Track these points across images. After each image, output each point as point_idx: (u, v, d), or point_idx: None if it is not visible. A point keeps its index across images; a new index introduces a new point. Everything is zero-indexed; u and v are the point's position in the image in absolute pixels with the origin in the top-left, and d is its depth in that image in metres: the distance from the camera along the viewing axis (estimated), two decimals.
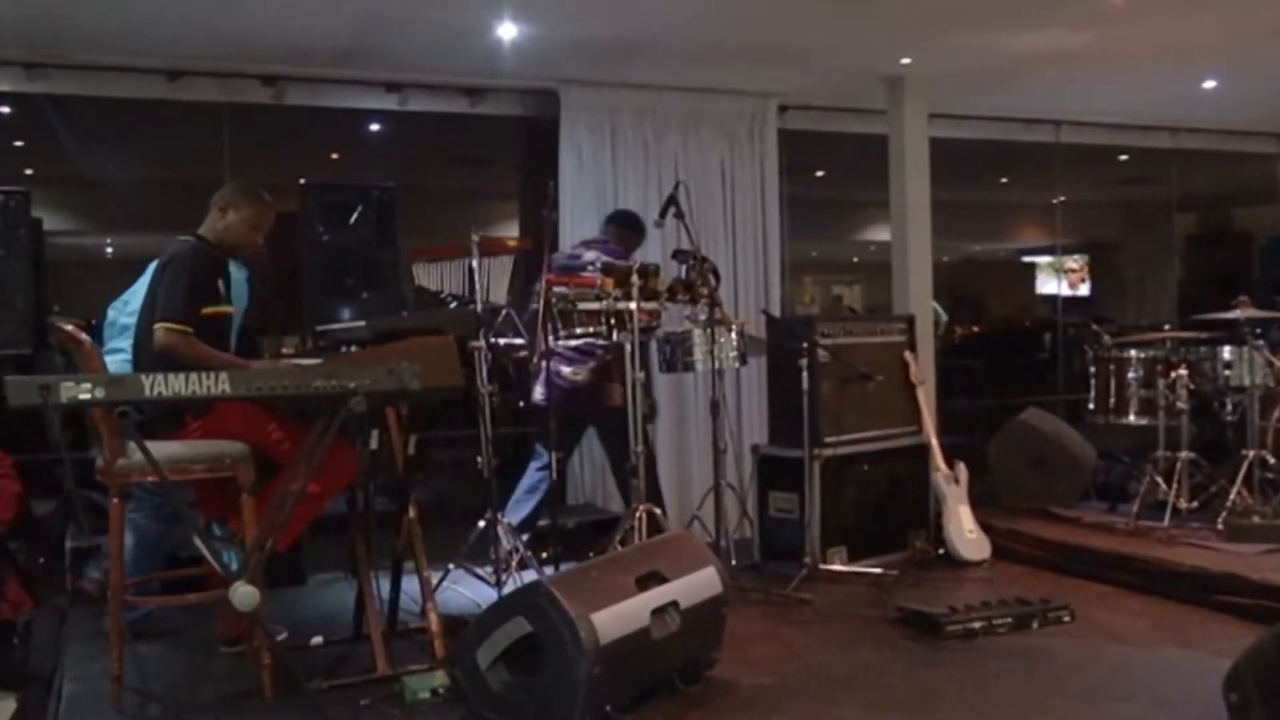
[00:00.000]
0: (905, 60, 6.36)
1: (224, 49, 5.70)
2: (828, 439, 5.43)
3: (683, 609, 3.54)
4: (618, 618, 3.31)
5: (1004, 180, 11.08)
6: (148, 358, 3.85)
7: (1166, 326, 6.66)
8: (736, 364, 5.32)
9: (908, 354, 5.91)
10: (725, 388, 5.38)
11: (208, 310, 3.91)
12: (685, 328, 5.24)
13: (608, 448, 5.86)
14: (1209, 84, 7.16)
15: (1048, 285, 11.66)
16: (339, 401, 3.01)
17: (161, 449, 3.38)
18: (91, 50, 5.63)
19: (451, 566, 5.05)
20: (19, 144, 6.90)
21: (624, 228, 5.82)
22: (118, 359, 4.39)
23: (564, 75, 6.41)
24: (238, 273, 4.88)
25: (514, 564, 4.92)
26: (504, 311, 5.05)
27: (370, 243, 5.69)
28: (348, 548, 4.31)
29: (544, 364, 5.03)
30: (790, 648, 4.26)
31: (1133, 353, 5.85)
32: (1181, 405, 5.57)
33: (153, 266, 4.15)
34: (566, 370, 5.39)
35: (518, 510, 5.54)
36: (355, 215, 5.84)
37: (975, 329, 11.55)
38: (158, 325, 3.77)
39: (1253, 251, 9.62)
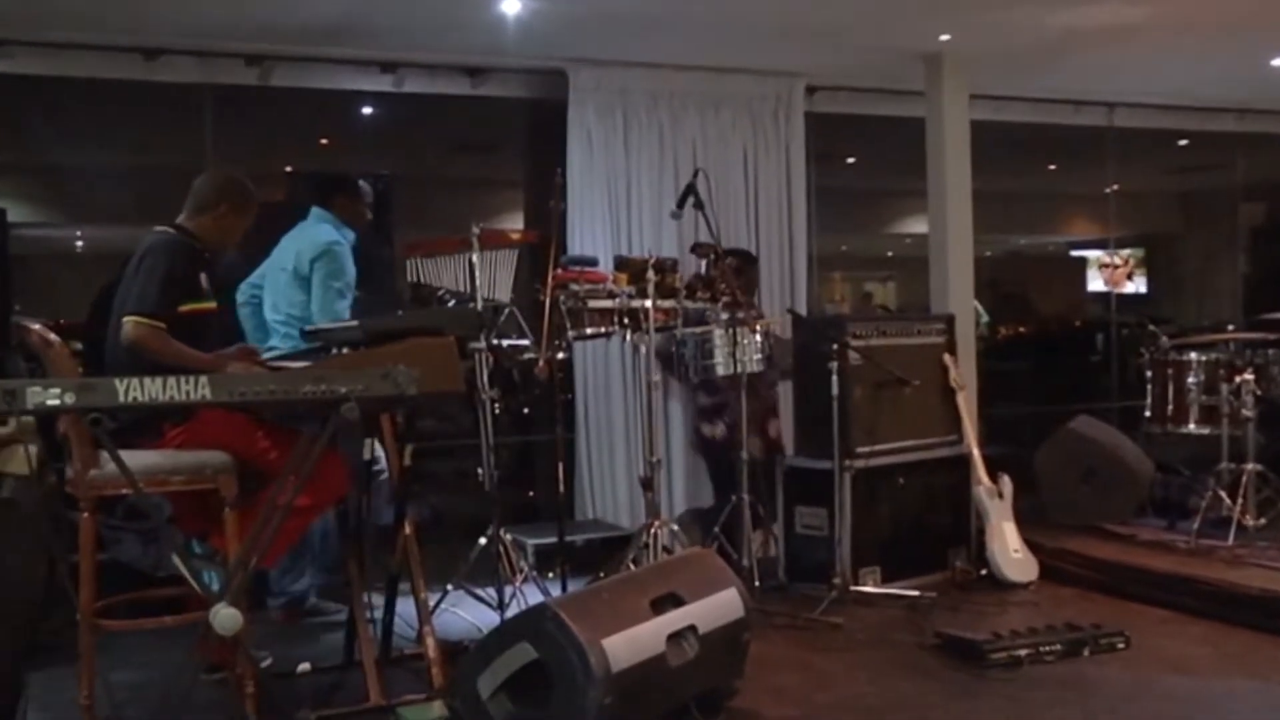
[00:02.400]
0: (944, 36, 6.35)
1: (205, 25, 5.72)
2: (859, 449, 5.43)
3: (701, 634, 3.54)
4: (631, 643, 3.32)
5: (1052, 167, 11.05)
6: (123, 356, 3.87)
7: (1230, 327, 6.64)
8: (760, 368, 5.32)
9: (947, 357, 5.89)
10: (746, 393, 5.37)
11: (187, 307, 3.92)
12: (705, 328, 5.25)
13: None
14: (1278, 61, 7.12)
15: (1099, 281, 11.63)
16: (330, 408, 3.02)
17: (137, 459, 3.40)
18: (61, 26, 5.65)
19: (450, 587, 5.06)
20: None
21: (743, 263, 5.99)
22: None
23: (573, 54, 6.42)
24: (340, 235, 4.99)
25: (518, 584, 4.93)
26: (507, 310, 5.07)
27: (363, 236, 5.69)
28: (339, 566, 4.32)
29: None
30: (819, 677, 4.25)
31: (1193, 355, 5.83)
32: (1247, 413, 5.54)
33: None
34: (706, 428, 5.42)
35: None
36: None
37: (1020, 329, 11.52)
38: (127, 318, 3.78)
39: None
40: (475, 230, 4.89)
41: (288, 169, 5.74)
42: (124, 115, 7.01)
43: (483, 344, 4.81)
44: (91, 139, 7.30)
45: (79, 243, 9.81)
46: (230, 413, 3.75)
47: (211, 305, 4.11)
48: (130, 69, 5.92)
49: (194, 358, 3.77)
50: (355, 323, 4.02)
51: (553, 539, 5.36)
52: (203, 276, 4.05)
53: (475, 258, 4.87)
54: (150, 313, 3.78)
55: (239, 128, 6.70)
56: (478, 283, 4.87)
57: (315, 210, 5.11)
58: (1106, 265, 10.92)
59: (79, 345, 5.22)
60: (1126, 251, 11.44)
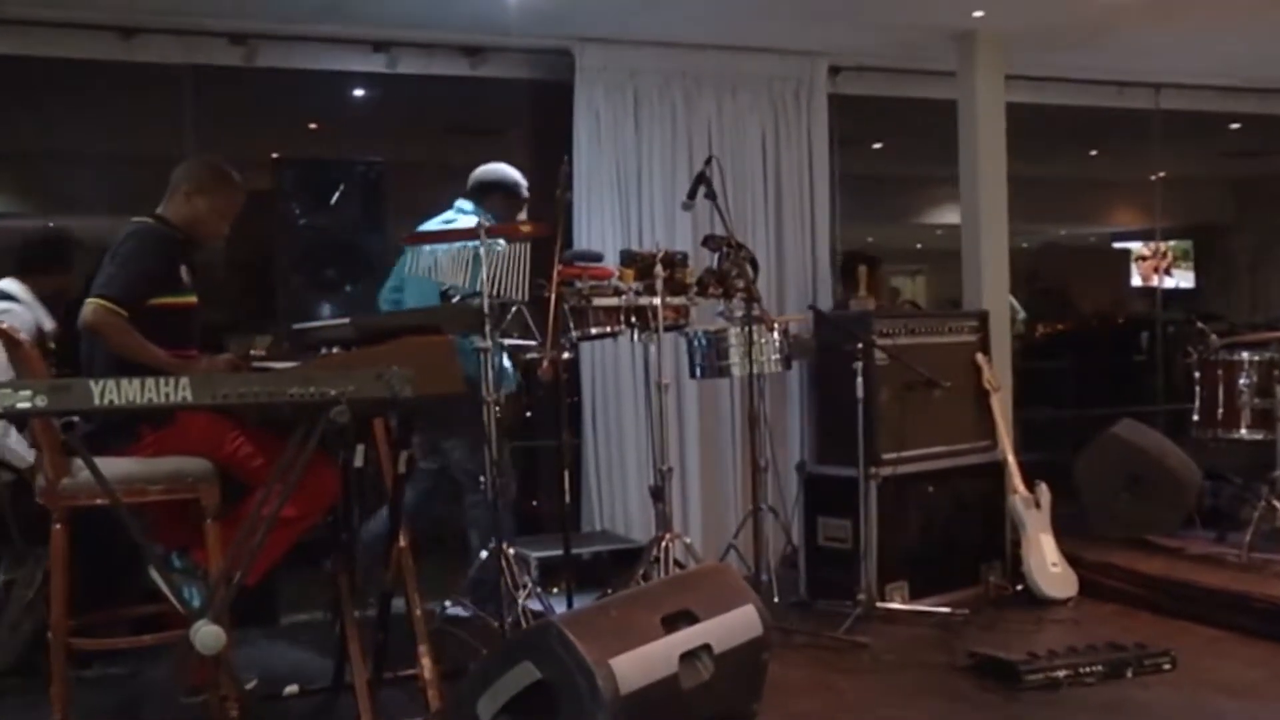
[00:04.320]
0: (978, 13, 6.33)
1: (186, 2, 5.73)
2: (886, 456, 5.42)
3: (717, 654, 3.54)
4: (641, 663, 3.32)
5: (1093, 153, 11.02)
6: (97, 355, 3.88)
7: None
8: (779, 368, 5.31)
9: (980, 356, 5.89)
10: (766, 396, 5.38)
11: (165, 300, 3.93)
12: (720, 326, 5.25)
13: None
14: None
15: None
16: (319, 411, 3.02)
17: (112, 466, 3.41)
18: (31, 3, 5.66)
19: (449, 604, 5.06)
20: None
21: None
22: None
23: (579, 31, 6.42)
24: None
25: (521, 600, 4.93)
26: (515, 308, 5.07)
27: (355, 227, 5.72)
28: (328, 582, 4.33)
29: None
30: (842, 700, 4.25)
31: (1245, 355, 5.82)
32: None
33: None
34: None
35: None
36: (337, 195, 5.87)
37: (1059, 327, 11.50)
38: (89, 299, 3.79)
39: None
40: (483, 222, 4.89)
41: (274, 155, 5.73)
42: (99, 98, 7.02)
43: (487, 344, 4.81)
44: (64, 123, 7.30)
45: None
46: (211, 417, 3.76)
47: (192, 299, 4.12)
48: (106, 48, 5.93)
49: (154, 354, 3.76)
50: (346, 320, 4.02)
51: (558, 552, 5.36)
52: (183, 269, 4.06)
53: (481, 251, 4.87)
54: (114, 298, 3.78)
55: (222, 111, 6.70)
56: (482, 277, 4.87)
57: (461, 204, 5.28)
58: (1141, 258, 10.86)
59: (52, 344, 5.25)
60: (1169, 243, 11.39)
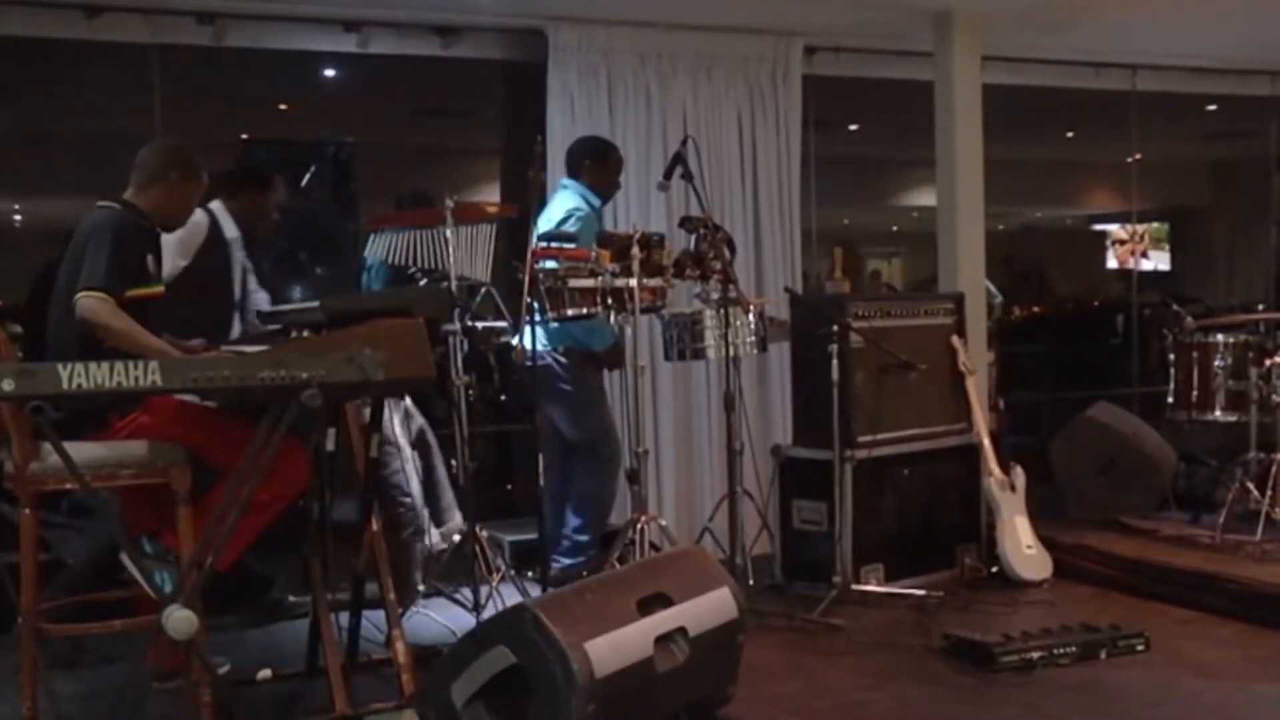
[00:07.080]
0: None
1: None
2: (861, 438, 5.45)
3: (692, 637, 3.56)
4: (616, 647, 3.33)
5: (1070, 135, 11.08)
6: (67, 340, 3.87)
7: (1260, 306, 6.66)
8: (754, 351, 5.33)
9: (956, 339, 5.92)
10: (741, 379, 5.40)
11: (135, 292, 3.92)
12: (695, 308, 5.26)
13: None
14: None
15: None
16: (290, 395, 3.02)
17: (82, 451, 3.40)
18: None
19: (423, 588, 5.07)
20: None
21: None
22: None
23: (552, 11, 6.40)
24: (581, 202, 5.44)
25: (495, 584, 4.95)
26: (484, 290, 5.07)
27: (325, 209, 5.72)
28: (300, 566, 4.33)
29: None
30: (818, 682, 4.28)
31: (1220, 337, 5.85)
32: (1278, 398, 5.58)
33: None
34: None
35: None
36: (307, 176, 5.86)
37: (1035, 310, 11.57)
38: (79, 295, 3.78)
39: None
40: (449, 203, 4.89)
41: (244, 136, 5.72)
42: (64, 78, 6.98)
43: (456, 326, 4.82)
44: (29, 104, 7.26)
45: (17, 217, 9.78)
46: (182, 401, 3.76)
47: (158, 290, 4.10)
48: (70, 27, 5.87)
49: (151, 342, 3.77)
50: (317, 304, 4.02)
51: (532, 535, 5.38)
52: (149, 258, 4.04)
53: (449, 233, 4.88)
54: (102, 287, 3.78)
55: (190, 92, 6.67)
56: (451, 259, 4.88)
57: (563, 181, 5.58)
58: (1117, 240, 10.92)
59: (18, 328, 5.23)
60: (1142, 226, 11.45)
